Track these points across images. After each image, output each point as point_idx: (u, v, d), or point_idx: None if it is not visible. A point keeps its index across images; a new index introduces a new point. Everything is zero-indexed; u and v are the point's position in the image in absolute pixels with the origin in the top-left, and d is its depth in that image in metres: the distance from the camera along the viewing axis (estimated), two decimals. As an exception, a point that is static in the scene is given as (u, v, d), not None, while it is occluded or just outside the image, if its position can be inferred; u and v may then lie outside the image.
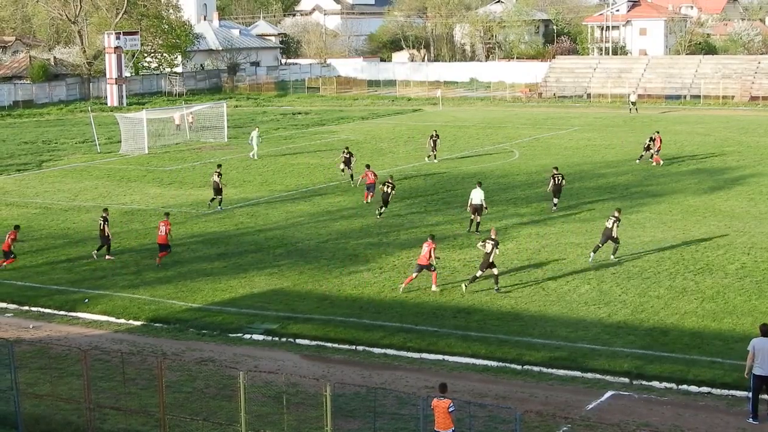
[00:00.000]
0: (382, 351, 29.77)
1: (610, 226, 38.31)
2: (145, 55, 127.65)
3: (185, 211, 50.64)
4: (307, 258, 40.56)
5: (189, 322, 32.78)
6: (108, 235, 40.85)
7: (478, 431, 23.16)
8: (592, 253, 38.71)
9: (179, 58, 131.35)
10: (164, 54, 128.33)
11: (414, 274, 35.52)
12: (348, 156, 57.95)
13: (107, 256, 40.88)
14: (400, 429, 23.48)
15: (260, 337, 31.29)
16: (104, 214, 41.39)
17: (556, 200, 49.10)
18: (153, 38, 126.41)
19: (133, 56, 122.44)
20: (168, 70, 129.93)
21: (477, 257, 39.69)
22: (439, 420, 20.87)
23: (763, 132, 79.72)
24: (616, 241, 38.55)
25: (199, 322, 32.76)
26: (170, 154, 72.42)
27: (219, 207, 50.74)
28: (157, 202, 53.16)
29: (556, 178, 48.66)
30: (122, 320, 33.28)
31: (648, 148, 63.74)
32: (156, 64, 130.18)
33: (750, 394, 24.12)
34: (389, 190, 47.69)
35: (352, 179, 56.53)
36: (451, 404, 20.79)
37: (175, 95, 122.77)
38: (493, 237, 35.48)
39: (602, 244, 38.62)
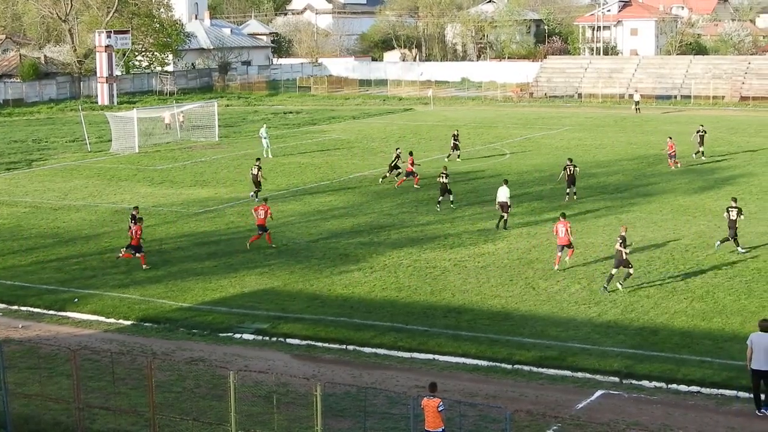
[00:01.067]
0: (373, 350, 29.77)
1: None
2: (136, 53, 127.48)
3: (176, 210, 50.59)
4: (297, 257, 40.55)
5: (179, 322, 32.74)
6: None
7: (469, 431, 23.17)
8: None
9: (170, 56, 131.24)
10: (155, 53, 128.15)
11: (558, 254, 37.87)
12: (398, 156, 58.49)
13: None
14: (391, 428, 23.48)
15: (250, 337, 31.26)
16: (134, 212, 41.30)
17: (569, 190, 51.36)
18: (144, 37, 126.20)
19: (124, 55, 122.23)
20: (159, 69, 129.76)
21: (467, 257, 39.76)
22: (429, 419, 20.88)
23: (753, 132, 79.89)
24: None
25: (189, 322, 32.72)
26: (161, 153, 72.35)
27: (256, 198, 51.50)
28: (147, 201, 53.08)
29: (569, 169, 51.08)
30: (112, 320, 33.21)
31: (701, 143, 65.01)
32: (147, 63, 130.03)
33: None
34: (446, 180, 49.35)
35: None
36: (441, 403, 20.80)
37: (166, 94, 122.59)
38: (622, 234, 35.13)
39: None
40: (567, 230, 37.60)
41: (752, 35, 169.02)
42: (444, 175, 49.26)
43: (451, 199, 49.70)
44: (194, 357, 29.04)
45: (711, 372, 27.06)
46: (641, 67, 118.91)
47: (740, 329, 30.49)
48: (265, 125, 73.40)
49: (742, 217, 40.09)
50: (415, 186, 55.06)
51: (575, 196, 51.33)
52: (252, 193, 52.91)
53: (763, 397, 24.21)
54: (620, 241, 34.81)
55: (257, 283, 36.85)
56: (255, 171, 52.91)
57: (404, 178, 55.53)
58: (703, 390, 26.06)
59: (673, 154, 60.79)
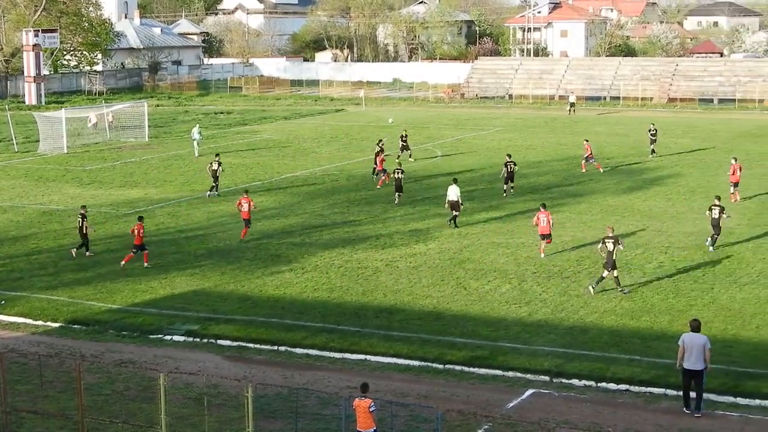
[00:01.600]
0: (304, 351, 29.68)
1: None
2: (65, 53, 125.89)
3: (105, 211, 50.06)
4: (228, 258, 40.32)
5: (108, 324, 32.37)
6: (86, 233, 40.53)
7: (400, 431, 23.19)
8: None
9: (99, 56, 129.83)
10: (84, 52, 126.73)
11: (541, 243, 39.68)
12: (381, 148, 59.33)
13: (87, 253, 40.63)
14: (322, 429, 23.42)
15: (181, 338, 31.01)
16: (82, 212, 41.07)
17: (506, 186, 52.76)
18: (72, 36, 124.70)
19: (52, 54, 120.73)
20: (88, 68, 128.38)
21: (399, 257, 39.83)
22: (361, 420, 20.86)
23: (681, 133, 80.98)
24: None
25: (118, 324, 32.36)
26: (90, 154, 71.56)
27: (216, 193, 53.47)
28: (76, 202, 52.42)
29: (509, 166, 52.23)
30: (40, 322, 32.74)
31: (653, 141, 67.51)
32: (75, 63, 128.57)
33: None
34: (400, 176, 51.37)
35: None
36: (372, 404, 20.79)
37: (95, 94, 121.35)
38: (611, 235, 34.93)
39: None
40: (548, 220, 39.32)
41: (680, 37, 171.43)
42: (399, 171, 51.47)
43: (398, 196, 51.29)
44: (124, 359, 28.73)
45: (640, 370, 27.36)
46: (571, 69, 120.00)
47: (668, 327, 30.89)
48: (198, 125, 72.96)
49: (725, 215, 40.64)
50: (378, 186, 55.46)
51: (512, 191, 52.67)
52: (210, 189, 53.70)
53: (693, 395, 24.41)
54: (613, 241, 34.58)
55: (188, 285, 36.58)
56: (215, 166, 53.42)
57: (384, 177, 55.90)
58: (632, 388, 26.33)
59: (590, 156, 60.94)
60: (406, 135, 67.81)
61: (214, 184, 53.56)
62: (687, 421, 23.92)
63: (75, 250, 40.83)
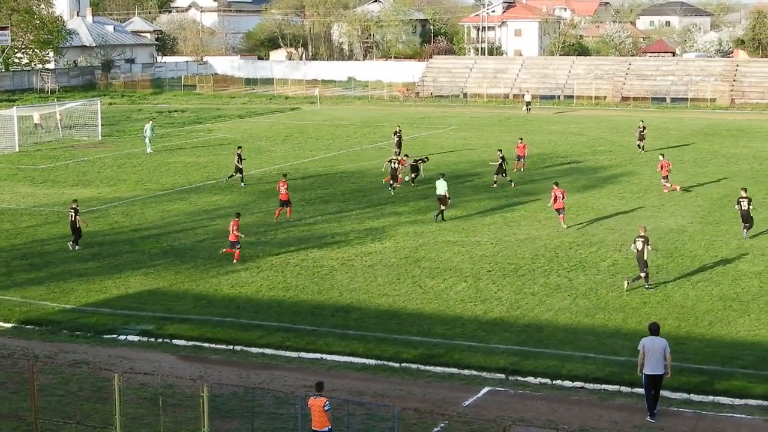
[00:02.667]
0: (260, 350, 29.61)
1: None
2: (16, 50, 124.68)
3: (58, 210, 49.63)
4: (183, 258, 40.12)
5: (62, 324, 32.10)
6: (79, 227, 41.30)
7: (357, 429, 23.19)
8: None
9: (51, 54, 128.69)
10: (36, 50, 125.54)
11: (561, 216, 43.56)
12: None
13: (76, 247, 41.29)
14: (278, 428, 23.37)
15: (136, 338, 30.82)
16: (74, 206, 41.62)
17: (496, 178, 54.79)
18: (24, 34, 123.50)
19: (3, 52, 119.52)
20: (40, 66, 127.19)
21: (354, 256, 39.82)
22: (316, 419, 20.82)
23: (634, 131, 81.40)
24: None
25: (72, 324, 32.10)
26: (42, 153, 70.94)
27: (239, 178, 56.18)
28: (28, 201, 52.03)
29: (503, 163, 54.69)
30: (-8, 322, 32.45)
31: (642, 137, 69.37)
32: (27, 60, 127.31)
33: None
34: (396, 165, 53.86)
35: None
36: (327, 403, 20.75)
37: (48, 92, 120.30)
38: (642, 234, 35.18)
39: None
40: (563, 195, 43.71)
41: (633, 37, 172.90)
42: (395, 161, 54.25)
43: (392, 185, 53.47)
44: (77, 359, 28.50)
45: (594, 368, 27.53)
46: (525, 68, 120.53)
47: (622, 325, 31.13)
48: (151, 122, 72.56)
49: (752, 206, 42.11)
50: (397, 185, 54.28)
51: (495, 186, 54.64)
52: (227, 176, 56.64)
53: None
54: (643, 240, 34.85)
55: (142, 284, 36.36)
56: (236, 160, 56.01)
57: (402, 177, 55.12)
58: (587, 385, 26.49)
59: (521, 156, 60.89)
60: (401, 130, 68.85)
61: (237, 174, 56.02)
62: (641, 417, 24.09)
63: (71, 243, 41.45)
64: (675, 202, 50.67)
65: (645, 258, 34.80)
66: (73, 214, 41.22)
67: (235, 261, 38.79)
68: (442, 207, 46.45)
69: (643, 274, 34.91)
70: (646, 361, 24.06)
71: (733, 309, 32.68)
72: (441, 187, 46.54)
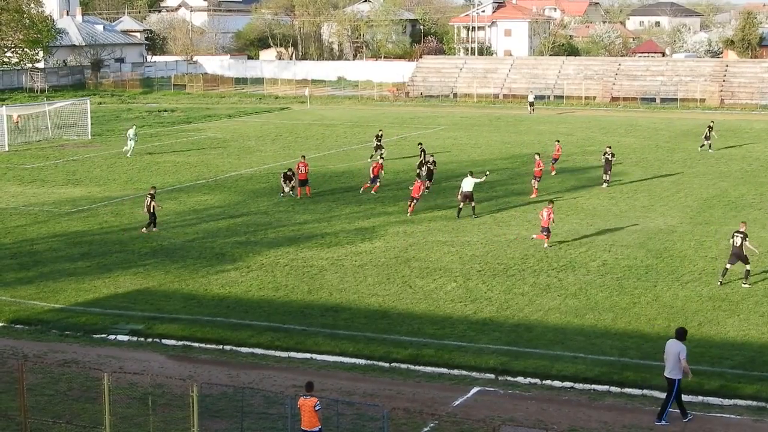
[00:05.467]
0: (250, 350, 29.59)
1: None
2: (5, 50, 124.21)
3: (47, 209, 49.54)
4: (173, 257, 40.07)
5: (51, 324, 32.04)
6: (154, 212, 44.04)
7: (347, 429, 23.18)
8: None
9: (41, 53, 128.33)
10: (25, 49, 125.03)
11: (542, 236, 41.10)
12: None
13: (154, 229, 44.08)
14: (268, 428, 23.36)
15: (125, 338, 30.78)
16: (152, 191, 44.48)
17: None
18: (13, 33, 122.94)
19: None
20: (29, 65, 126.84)
21: (344, 255, 39.82)
22: (306, 418, 20.82)
23: (624, 132, 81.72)
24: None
25: (61, 323, 32.04)
26: (31, 152, 70.81)
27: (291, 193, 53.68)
28: (17, 200, 51.91)
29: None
30: (-19, 322, 32.38)
31: (708, 137, 69.64)
32: (17, 60, 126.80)
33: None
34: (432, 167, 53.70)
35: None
36: (318, 403, 20.76)
37: (37, 91, 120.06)
38: (741, 230, 35.51)
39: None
40: (549, 215, 40.87)
41: (622, 37, 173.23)
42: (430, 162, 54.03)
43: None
44: (67, 359, 28.46)
45: (584, 368, 27.57)
46: (515, 68, 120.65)
47: (612, 325, 31.18)
48: (134, 126, 72.06)
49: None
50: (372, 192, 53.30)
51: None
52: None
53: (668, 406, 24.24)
54: (742, 236, 35.24)
55: (132, 284, 36.30)
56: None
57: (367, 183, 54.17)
58: (577, 385, 26.54)
59: (556, 158, 60.98)
60: (382, 134, 68.30)
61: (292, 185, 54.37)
62: (630, 417, 24.15)
63: (144, 229, 44.04)
64: (665, 202, 50.76)
65: (744, 253, 35.19)
66: (149, 198, 43.76)
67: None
68: (473, 204, 47.01)
69: (729, 267, 35.42)
70: (665, 363, 24.14)
71: (723, 309, 32.75)
72: (468, 185, 46.87)
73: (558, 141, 62.99)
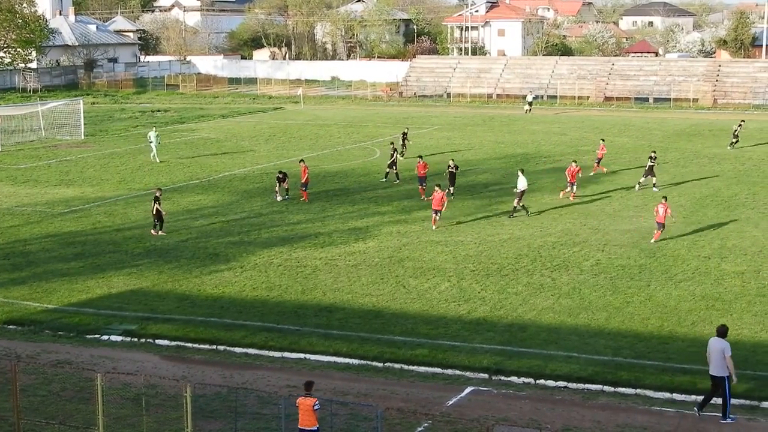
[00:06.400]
0: (244, 350, 29.57)
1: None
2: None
3: (40, 210, 49.48)
4: (166, 257, 40.03)
5: (44, 324, 32.00)
6: (161, 213, 43.95)
7: (341, 429, 23.17)
8: None
9: (34, 53, 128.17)
10: (18, 49, 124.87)
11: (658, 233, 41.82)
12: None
13: (161, 232, 43.72)
14: (262, 429, 23.34)
15: (118, 338, 30.74)
16: (157, 194, 44.27)
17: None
18: (6, 33, 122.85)
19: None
20: (22, 65, 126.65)
21: (338, 255, 39.81)
22: (304, 417, 20.81)
23: (617, 132, 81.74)
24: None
25: (54, 324, 32.00)
26: (24, 152, 70.70)
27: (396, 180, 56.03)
28: (10, 201, 51.83)
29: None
30: (-26, 323, 32.30)
31: (736, 135, 70.81)
32: (9, 60, 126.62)
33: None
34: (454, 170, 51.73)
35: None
36: (317, 402, 20.76)
37: (30, 91, 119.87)
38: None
39: None
40: (666, 211, 41.85)
41: (615, 37, 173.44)
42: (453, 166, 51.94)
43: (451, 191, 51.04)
44: (60, 359, 28.42)
45: (577, 367, 27.60)
46: (508, 68, 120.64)
47: (605, 325, 31.21)
48: (154, 128, 69.95)
49: None
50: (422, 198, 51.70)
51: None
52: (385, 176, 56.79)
53: (720, 401, 24.20)
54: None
55: (125, 284, 36.26)
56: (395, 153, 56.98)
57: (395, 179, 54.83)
58: (570, 385, 26.56)
59: (600, 158, 60.36)
60: (407, 132, 69.69)
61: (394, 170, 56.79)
62: (624, 417, 24.17)
63: (153, 231, 43.86)
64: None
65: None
66: (155, 202, 43.71)
67: None
68: (522, 204, 47.26)
69: None
70: (709, 361, 24.21)
71: (716, 309, 32.79)
72: (522, 183, 47.11)
73: (603, 140, 62.54)
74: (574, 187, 51.67)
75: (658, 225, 42.01)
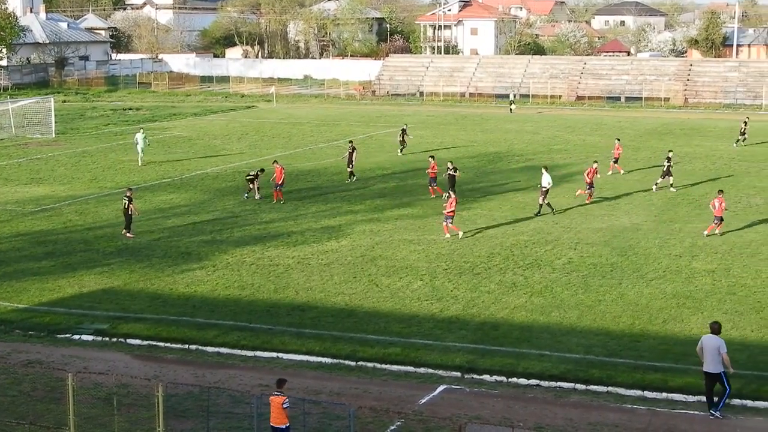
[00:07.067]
0: (216, 350, 29.48)
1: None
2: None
3: (10, 209, 49.18)
4: (138, 256, 39.86)
5: (15, 324, 31.79)
6: (131, 213, 42.90)
7: (313, 428, 23.13)
8: None
9: (4, 51, 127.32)
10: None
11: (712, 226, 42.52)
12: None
13: (128, 234, 42.76)
14: (234, 428, 23.28)
15: (90, 338, 30.59)
16: (128, 194, 43.21)
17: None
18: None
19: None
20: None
21: (311, 254, 39.75)
22: (275, 415, 20.83)
23: (589, 131, 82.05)
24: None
25: (25, 323, 31.81)
26: (-5, 150, 70.28)
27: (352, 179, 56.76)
28: (-20, 199, 51.52)
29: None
30: (-56, 322, 32.07)
31: (743, 133, 72.12)
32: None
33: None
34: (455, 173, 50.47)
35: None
36: (286, 401, 20.76)
37: (0, 89, 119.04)
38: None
39: None
40: (721, 205, 42.12)
41: (588, 36, 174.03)
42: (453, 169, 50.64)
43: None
44: (31, 359, 28.23)
45: (550, 365, 27.67)
46: (481, 67, 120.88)
47: (577, 323, 31.30)
48: (142, 130, 67.04)
49: None
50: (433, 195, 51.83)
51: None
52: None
53: (716, 398, 24.31)
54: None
55: (96, 283, 36.08)
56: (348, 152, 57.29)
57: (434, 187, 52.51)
58: (543, 383, 26.62)
59: (617, 157, 60.29)
60: (407, 128, 70.50)
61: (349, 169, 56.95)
62: (596, 414, 24.25)
63: (125, 232, 42.99)
64: (629, 200, 51.02)
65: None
66: (127, 201, 42.73)
67: None
68: (548, 201, 47.53)
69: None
70: (704, 359, 24.19)
71: (687, 307, 32.95)
72: (546, 180, 47.30)
73: (618, 139, 62.67)
74: (593, 189, 50.79)
75: (716, 219, 42.53)
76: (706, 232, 42.74)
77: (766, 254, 39.79)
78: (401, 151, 67.82)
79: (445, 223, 42.85)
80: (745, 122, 73.73)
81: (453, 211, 42.71)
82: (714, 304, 33.25)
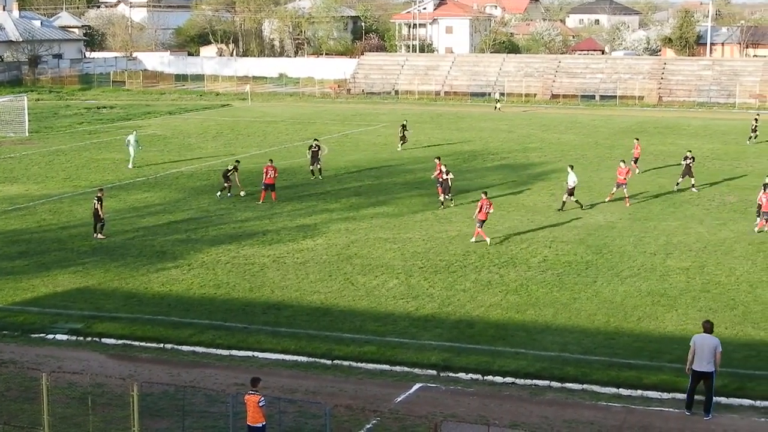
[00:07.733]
0: (191, 349, 29.39)
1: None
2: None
3: (-16, 207, 48.92)
4: (113, 255, 39.70)
5: (-12, 323, 31.63)
6: (102, 216, 42.39)
7: (289, 426, 23.12)
8: None
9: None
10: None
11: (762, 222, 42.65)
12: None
13: (99, 236, 42.22)
14: (210, 427, 23.24)
15: (64, 337, 30.44)
16: (99, 194, 42.86)
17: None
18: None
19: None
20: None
21: (286, 253, 39.70)
22: (251, 414, 20.83)
23: (564, 129, 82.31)
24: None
25: (-1, 323, 31.65)
26: (-32, 149, 69.85)
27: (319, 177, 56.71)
28: (-47, 198, 51.19)
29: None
30: None
31: (755, 130, 72.90)
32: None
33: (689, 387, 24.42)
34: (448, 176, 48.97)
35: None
36: (262, 399, 20.76)
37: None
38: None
39: None
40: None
41: (562, 35, 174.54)
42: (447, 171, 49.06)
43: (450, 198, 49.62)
44: (4, 359, 28.08)
45: (525, 363, 27.73)
46: (456, 65, 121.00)
47: (552, 321, 31.39)
48: (134, 132, 65.73)
49: None
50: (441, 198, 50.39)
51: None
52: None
53: (703, 398, 24.32)
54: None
55: (71, 282, 35.92)
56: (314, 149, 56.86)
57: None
58: (518, 381, 26.67)
59: (637, 157, 59.90)
60: (407, 124, 70.89)
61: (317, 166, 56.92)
62: (571, 412, 24.33)
63: (95, 233, 42.37)
64: (604, 198, 51.12)
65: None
66: (96, 202, 42.29)
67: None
68: (572, 197, 47.82)
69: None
70: (695, 358, 24.08)
71: (661, 304, 33.10)
72: (572, 178, 47.53)
73: (637, 139, 62.67)
74: (625, 189, 49.70)
75: (764, 214, 42.87)
76: (756, 229, 43.20)
77: (739, 252, 40.03)
78: (401, 146, 68.22)
79: (477, 228, 41.78)
80: (756, 119, 74.51)
81: (485, 217, 41.41)
82: (688, 301, 33.42)
